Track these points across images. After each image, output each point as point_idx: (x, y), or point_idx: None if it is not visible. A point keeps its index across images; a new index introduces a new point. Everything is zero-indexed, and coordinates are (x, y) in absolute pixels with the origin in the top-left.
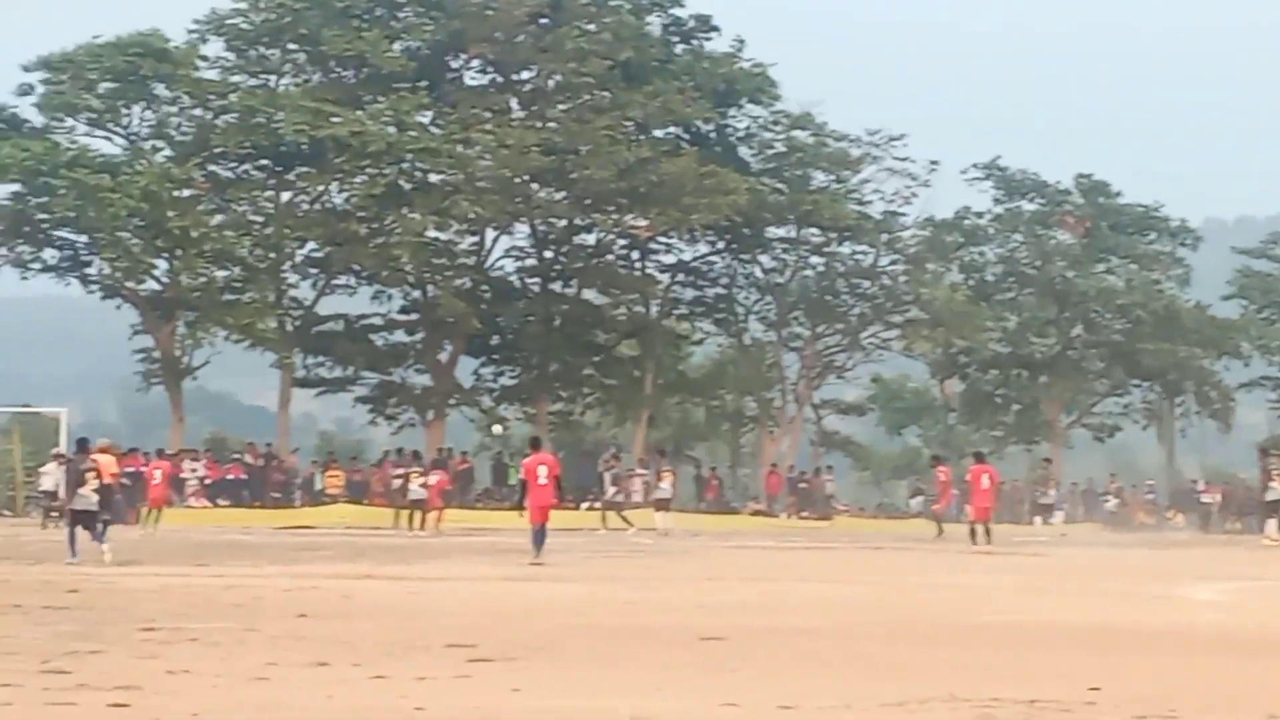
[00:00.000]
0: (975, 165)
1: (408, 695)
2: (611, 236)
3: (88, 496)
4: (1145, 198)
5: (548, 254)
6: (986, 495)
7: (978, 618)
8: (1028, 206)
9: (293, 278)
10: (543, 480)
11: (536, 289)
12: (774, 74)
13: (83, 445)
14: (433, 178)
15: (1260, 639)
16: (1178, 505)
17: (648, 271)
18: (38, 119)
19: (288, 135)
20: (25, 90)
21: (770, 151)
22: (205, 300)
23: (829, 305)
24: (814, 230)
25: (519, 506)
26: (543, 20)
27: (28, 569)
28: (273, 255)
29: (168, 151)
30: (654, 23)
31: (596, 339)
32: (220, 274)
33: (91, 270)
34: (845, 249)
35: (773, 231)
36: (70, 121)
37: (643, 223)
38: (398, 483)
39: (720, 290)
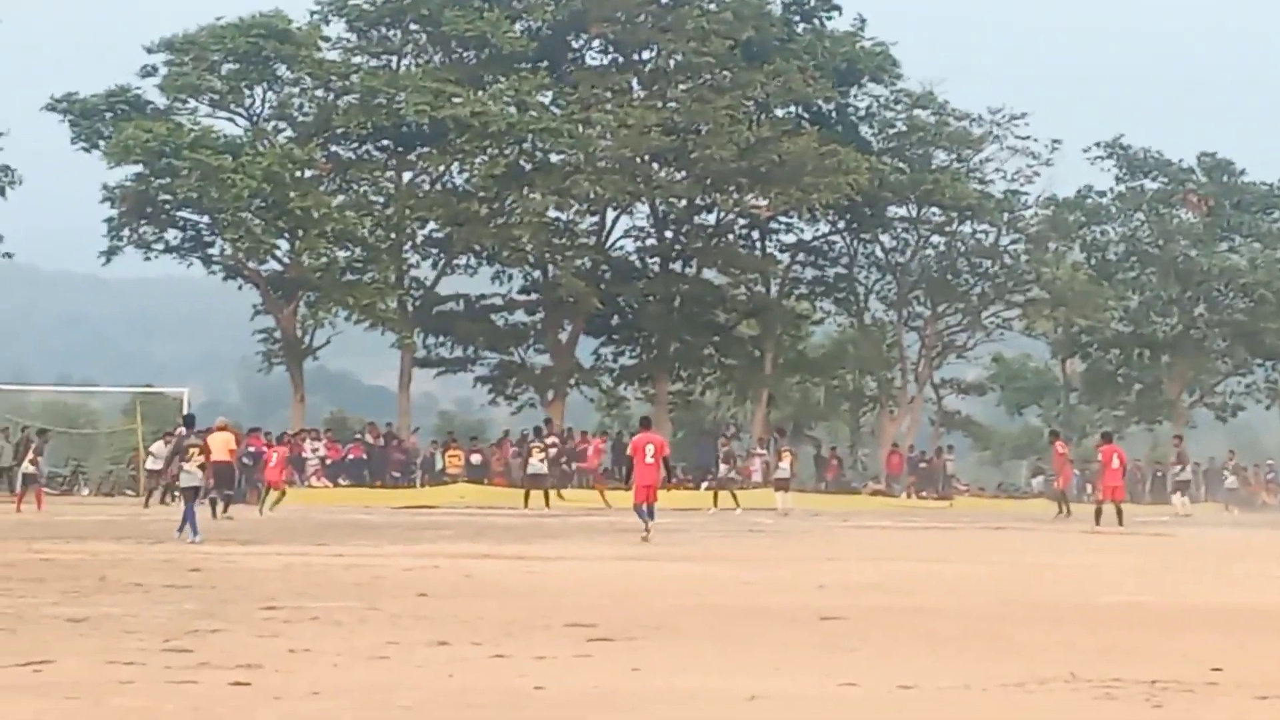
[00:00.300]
0: (1097, 144)
1: (527, 674)
2: (732, 216)
3: (193, 473)
4: (1270, 176)
5: (668, 234)
6: (1116, 475)
7: (1099, 598)
8: (1150, 185)
9: (413, 258)
10: (649, 459)
11: (656, 269)
12: (895, 53)
13: (188, 422)
14: (553, 158)
15: None
16: None
17: (768, 251)
18: (160, 100)
19: (409, 116)
20: (148, 72)
21: (891, 130)
22: (326, 280)
23: (950, 285)
24: (935, 209)
25: (626, 484)
26: (664, 0)
27: (149, 548)
28: (393, 235)
29: (289, 132)
30: (775, 1)
31: (716, 319)
32: (341, 254)
33: (214, 251)
34: (966, 228)
35: (894, 211)
36: (193, 103)
37: (763, 202)
38: (541, 460)
39: (841, 270)
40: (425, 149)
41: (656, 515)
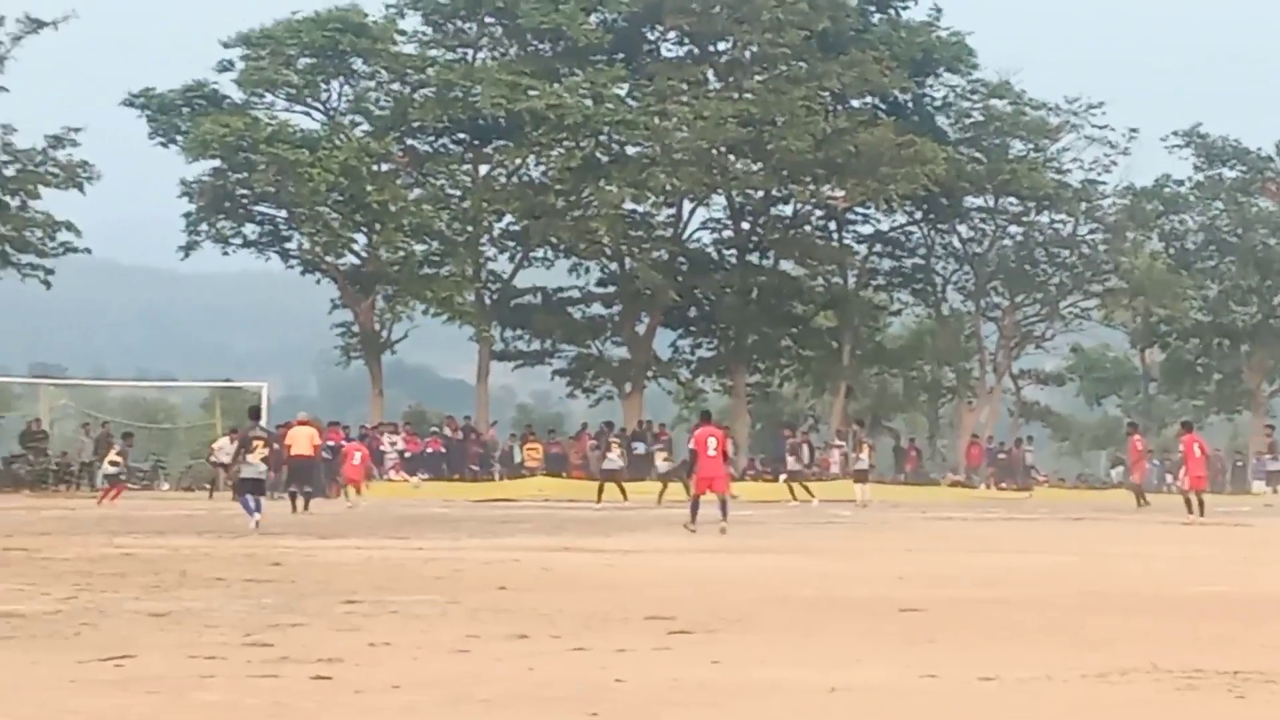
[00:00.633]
0: (1175, 133)
1: (607, 667)
2: (808, 207)
3: (256, 465)
4: None
5: (744, 225)
6: (1199, 464)
7: (1180, 589)
8: (1228, 174)
9: (490, 251)
10: (711, 452)
11: (733, 260)
12: (971, 42)
13: (253, 414)
14: (629, 150)
15: None
16: None
17: (845, 242)
18: (238, 95)
19: (485, 109)
20: (225, 66)
21: (968, 120)
22: (404, 274)
23: (1028, 275)
24: (1012, 199)
25: (688, 477)
26: None
27: (229, 542)
28: (470, 229)
29: (366, 126)
30: None
31: (794, 310)
32: (418, 248)
33: (291, 245)
34: (1044, 218)
35: (971, 201)
36: (269, 97)
37: (840, 193)
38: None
39: (918, 260)
40: (502, 142)
41: (730, 508)
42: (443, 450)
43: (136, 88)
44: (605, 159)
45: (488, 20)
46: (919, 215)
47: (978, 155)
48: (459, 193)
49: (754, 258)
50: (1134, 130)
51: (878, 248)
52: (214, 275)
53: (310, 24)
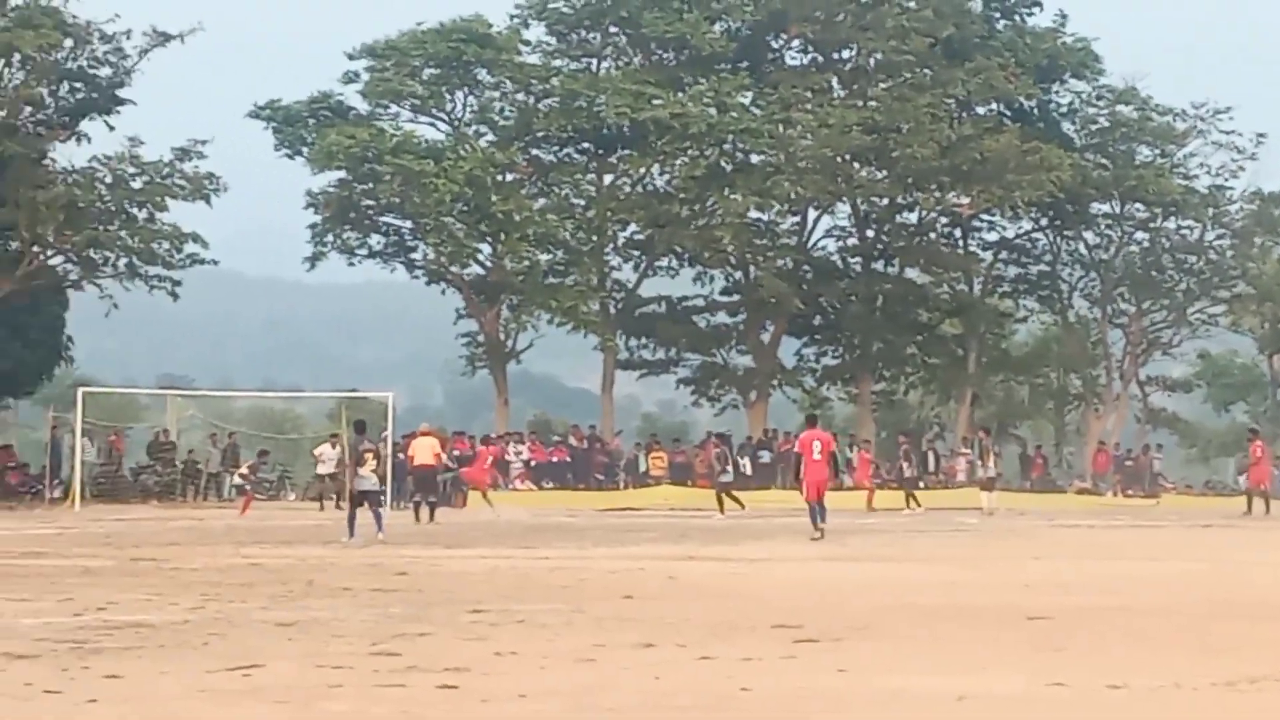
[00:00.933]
0: None
1: (734, 676)
2: (933, 215)
3: (368, 477)
4: None
5: (869, 233)
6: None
7: None
8: None
9: (615, 260)
10: (816, 456)
11: (858, 268)
12: (1097, 48)
13: (359, 428)
14: (754, 158)
15: None
16: None
17: (970, 249)
18: (363, 106)
19: (609, 118)
20: (350, 78)
21: (1094, 127)
22: (528, 284)
23: (1154, 281)
24: (1139, 206)
25: (795, 482)
26: None
27: (356, 552)
28: (595, 238)
29: (490, 136)
30: None
31: (919, 318)
32: (543, 257)
33: (416, 255)
34: (1171, 224)
35: (1097, 207)
36: (394, 108)
37: (965, 200)
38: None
39: (1044, 267)
40: (626, 151)
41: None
42: (568, 459)
43: (262, 100)
44: (729, 167)
45: (612, 30)
46: (1045, 222)
47: (1104, 161)
48: (583, 202)
49: (879, 265)
50: (1262, 135)
51: (1003, 254)
52: (339, 285)
53: (435, 35)
